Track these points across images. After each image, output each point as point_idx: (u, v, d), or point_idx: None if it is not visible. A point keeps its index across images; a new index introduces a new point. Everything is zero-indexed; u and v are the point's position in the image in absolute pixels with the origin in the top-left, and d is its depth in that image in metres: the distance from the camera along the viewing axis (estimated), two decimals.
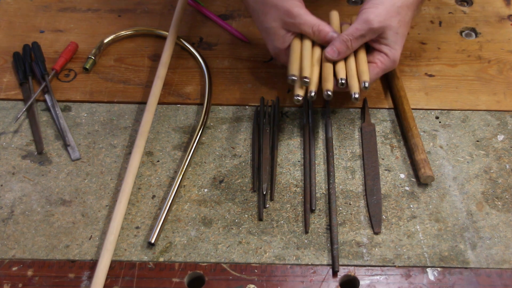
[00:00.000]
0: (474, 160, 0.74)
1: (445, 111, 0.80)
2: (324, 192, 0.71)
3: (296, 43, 0.74)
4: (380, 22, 0.71)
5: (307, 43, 0.74)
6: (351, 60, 0.73)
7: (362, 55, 0.74)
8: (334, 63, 0.73)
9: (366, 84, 0.70)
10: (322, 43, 0.74)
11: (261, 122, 0.77)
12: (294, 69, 0.71)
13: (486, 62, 0.86)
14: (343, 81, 0.71)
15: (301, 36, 0.75)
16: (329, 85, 0.71)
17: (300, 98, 0.70)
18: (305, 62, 0.72)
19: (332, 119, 0.78)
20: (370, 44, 0.74)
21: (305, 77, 0.70)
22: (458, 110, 0.80)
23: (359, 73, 0.72)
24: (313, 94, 0.70)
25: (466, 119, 0.79)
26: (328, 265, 0.65)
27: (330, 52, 0.72)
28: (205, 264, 0.65)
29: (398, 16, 0.72)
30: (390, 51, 0.73)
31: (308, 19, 0.72)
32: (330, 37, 0.73)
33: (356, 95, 0.70)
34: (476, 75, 0.84)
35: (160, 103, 0.80)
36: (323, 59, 0.73)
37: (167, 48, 0.84)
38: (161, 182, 0.72)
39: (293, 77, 0.70)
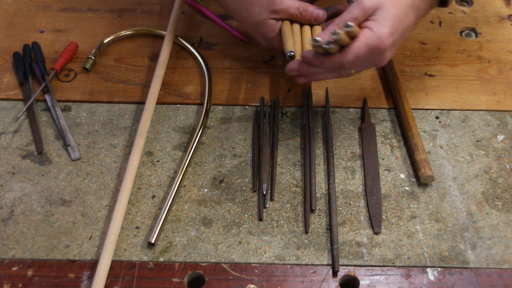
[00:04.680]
0: (474, 160, 0.74)
1: (445, 111, 0.80)
2: (324, 192, 0.71)
3: (286, 24, 0.76)
4: (372, 1, 0.68)
5: (296, 25, 0.77)
6: None
7: None
8: None
9: (318, 38, 0.68)
10: (308, 22, 0.77)
11: (261, 122, 0.77)
12: (290, 46, 0.73)
13: (486, 62, 0.86)
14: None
15: (289, 21, 0.77)
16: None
17: (292, 54, 0.73)
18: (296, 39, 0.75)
19: (332, 119, 0.78)
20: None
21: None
22: (458, 110, 0.80)
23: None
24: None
25: (466, 119, 0.79)
26: (328, 265, 0.65)
27: (324, 37, 0.71)
28: (205, 264, 0.65)
29: None
30: (376, 26, 0.68)
31: (292, 2, 0.75)
32: (316, 14, 0.76)
33: (291, 54, 0.72)
34: (476, 75, 0.84)
35: (160, 103, 0.80)
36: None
37: (165, 47, 0.84)
38: (161, 182, 0.72)
39: (291, 53, 0.72)
